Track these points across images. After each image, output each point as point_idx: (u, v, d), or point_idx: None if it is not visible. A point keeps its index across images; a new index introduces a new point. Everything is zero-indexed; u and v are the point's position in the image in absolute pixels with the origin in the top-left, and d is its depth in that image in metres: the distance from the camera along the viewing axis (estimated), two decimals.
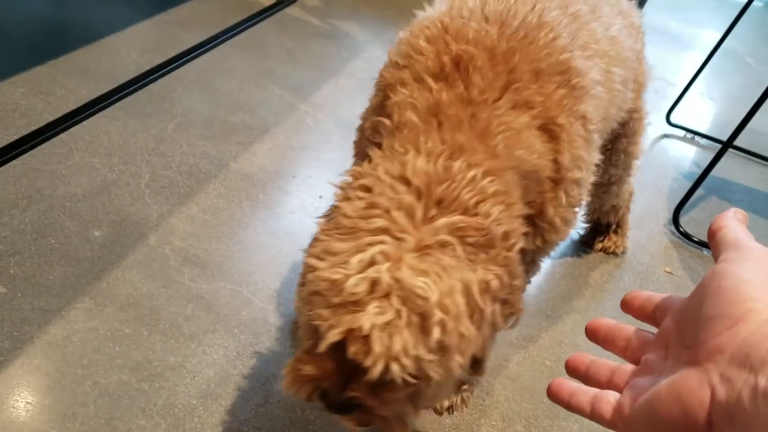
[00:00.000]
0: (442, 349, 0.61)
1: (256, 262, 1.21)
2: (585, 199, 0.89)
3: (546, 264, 1.37)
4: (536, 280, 1.34)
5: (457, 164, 0.68)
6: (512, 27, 0.78)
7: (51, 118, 1.39)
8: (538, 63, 0.77)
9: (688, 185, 1.62)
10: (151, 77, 1.62)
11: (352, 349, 0.60)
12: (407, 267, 0.60)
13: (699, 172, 1.60)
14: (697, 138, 2.05)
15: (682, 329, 0.40)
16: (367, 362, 0.60)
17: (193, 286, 1.12)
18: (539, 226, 0.83)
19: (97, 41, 1.72)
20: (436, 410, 1.03)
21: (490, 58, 0.75)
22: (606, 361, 0.46)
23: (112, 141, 1.39)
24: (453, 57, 0.76)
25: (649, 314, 0.47)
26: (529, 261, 0.93)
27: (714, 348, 0.36)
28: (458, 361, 0.63)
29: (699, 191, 1.63)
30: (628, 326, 0.47)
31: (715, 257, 0.41)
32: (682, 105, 2.06)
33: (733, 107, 2.33)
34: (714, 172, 1.55)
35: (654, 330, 0.46)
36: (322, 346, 0.61)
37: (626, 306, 0.49)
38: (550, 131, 0.77)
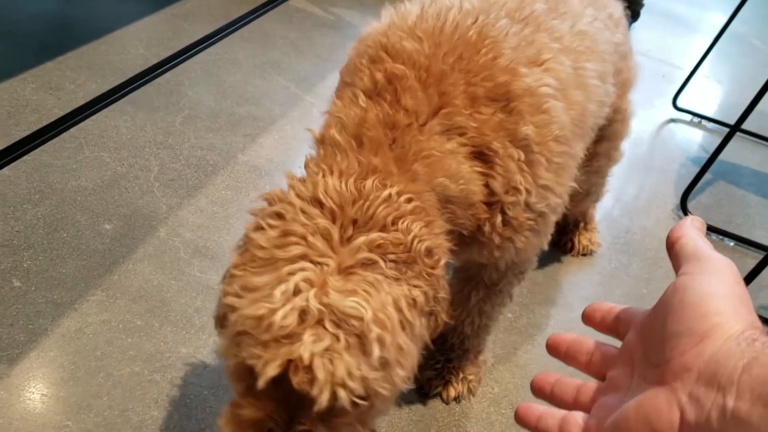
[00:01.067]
0: (384, 364, 0.60)
1: None
2: (545, 222, 0.84)
3: (554, 252, 1.38)
4: (545, 268, 1.35)
5: (369, 183, 0.67)
6: (448, 45, 0.75)
7: (61, 114, 1.40)
8: (473, 87, 0.73)
9: (696, 170, 1.62)
10: (158, 71, 1.63)
11: (296, 380, 0.58)
12: (334, 290, 0.59)
13: (706, 156, 1.59)
14: (704, 122, 2.05)
15: (646, 345, 0.40)
16: (314, 392, 0.58)
17: (203, 277, 1.13)
18: (480, 242, 0.81)
19: (104, 36, 1.73)
20: (443, 398, 1.04)
21: (421, 80, 0.73)
22: (570, 379, 0.45)
23: (120, 135, 1.40)
24: (386, 75, 0.74)
25: (611, 326, 0.46)
26: (493, 269, 0.93)
27: (681, 366, 0.35)
28: (401, 375, 0.63)
29: (707, 176, 1.63)
30: (589, 340, 0.47)
31: (675, 269, 0.41)
32: (688, 89, 2.06)
33: (740, 90, 2.32)
34: (722, 156, 1.55)
35: (618, 343, 0.45)
36: (261, 383, 0.59)
37: (587, 319, 0.48)
38: (483, 156, 0.75)
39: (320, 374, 0.57)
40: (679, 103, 2.05)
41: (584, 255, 1.40)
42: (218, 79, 1.69)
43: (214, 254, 1.19)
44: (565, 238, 1.39)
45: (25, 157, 1.29)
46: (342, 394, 0.58)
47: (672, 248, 0.42)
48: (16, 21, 1.72)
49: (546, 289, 1.30)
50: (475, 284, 0.97)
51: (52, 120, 1.39)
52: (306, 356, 0.57)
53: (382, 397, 0.62)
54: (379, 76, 0.74)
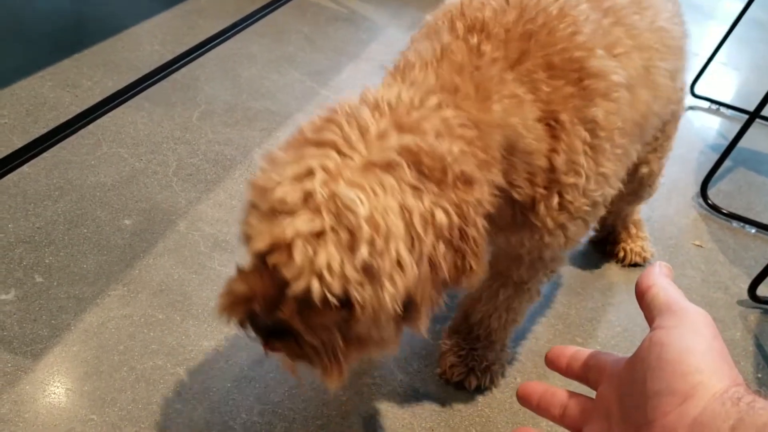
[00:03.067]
0: (368, 271, 0.57)
1: None
2: (595, 212, 0.83)
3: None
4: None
5: (434, 100, 0.65)
6: (530, 14, 0.74)
7: (78, 111, 1.41)
8: (551, 55, 0.72)
9: (715, 157, 1.60)
10: (174, 66, 1.63)
11: (273, 258, 0.57)
12: (345, 181, 0.57)
13: (725, 143, 1.58)
14: (722, 109, 2.02)
15: (625, 402, 0.38)
16: (287, 273, 0.56)
17: (223, 270, 1.13)
18: (532, 224, 0.79)
19: (119, 33, 1.73)
20: (464, 386, 1.03)
21: (505, 33, 0.72)
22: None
23: (138, 131, 1.40)
24: (468, 24, 0.73)
25: (579, 373, 0.44)
26: (528, 266, 0.91)
27: (665, 428, 0.34)
28: (390, 292, 0.59)
29: (726, 163, 1.61)
30: (561, 391, 0.45)
31: (649, 321, 0.39)
32: (706, 76, 2.03)
33: (759, 77, 2.29)
34: (741, 143, 1.53)
35: (586, 390, 0.44)
36: (250, 255, 0.59)
37: (552, 363, 0.46)
38: (549, 127, 0.73)
39: (298, 257, 0.55)
40: (697, 90, 2.03)
41: (636, 265, 1.35)
42: (234, 73, 1.69)
43: (234, 247, 1.19)
44: (617, 247, 1.36)
45: (44, 154, 1.29)
46: (315, 285, 0.56)
47: (643, 298, 0.40)
48: (32, 20, 1.73)
49: (566, 278, 1.29)
50: (504, 281, 0.96)
51: (70, 117, 1.39)
52: (289, 235, 0.55)
53: (364, 309, 0.59)
54: (460, 25, 0.73)
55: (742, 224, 1.52)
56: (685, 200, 1.58)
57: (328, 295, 0.56)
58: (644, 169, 1.19)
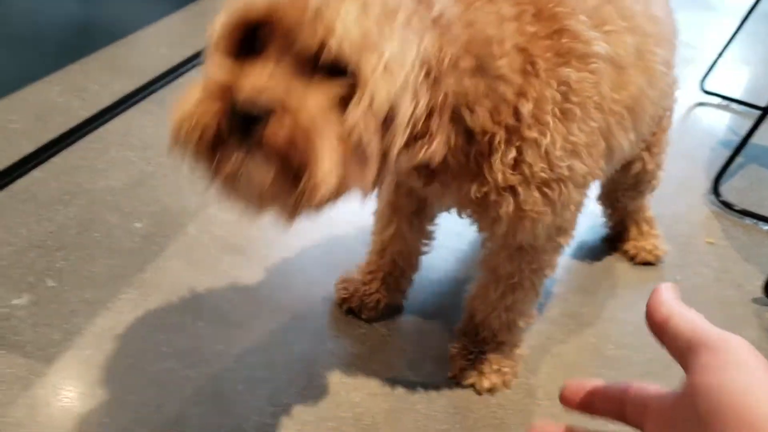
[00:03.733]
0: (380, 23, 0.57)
1: (293, 247, 1.22)
2: (561, 190, 0.77)
3: (586, 239, 1.36)
4: (576, 255, 1.33)
5: None
6: None
7: (87, 115, 1.41)
8: (540, 3, 0.71)
9: (727, 153, 1.59)
10: (181, 70, 1.63)
11: (279, 13, 0.55)
12: None
13: (737, 139, 1.57)
14: (732, 105, 2.01)
15: None
16: (305, 19, 0.54)
17: (233, 273, 1.13)
18: (483, 176, 0.74)
19: (126, 37, 1.74)
20: (476, 389, 1.03)
21: None
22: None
23: (146, 134, 1.41)
24: None
25: (612, 409, 0.39)
26: (507, 257, 0.90)
27: None
28: (391, 81, 0.58)
29: (738, 159, 1.60)
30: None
31: (678, 359, 0.34)
32: (716, 72, 2.02)
33: None
34: (753, 138, 1.52)
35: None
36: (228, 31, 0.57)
37: (570, 403, 0.40)
38: (524, 67, 0.69)
39: (313, 3, 0.54)
40: (707, 86, 2.02)
41: (649, 263, 1.34)
42: None
43: (244, 250, 1.19)
44: (628, 245, 1.34)
45: (53, 159, 1.30)
46: (333, 40, 0.54)
47: (663, 333, 0.35)
48: (39, 26, 1.73)
49: (578, 277, 1.28)
50: (495, 278, 0.95)
51: (79, 122, 1.40)
52: None
53: (365, 90, 0.57)
54: None
55: (755, 221, 1.51)
56: (697, 197, 1.57)
57: (343, 50, 0.55)
58: (638, 166, 1.18)
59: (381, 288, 1.10)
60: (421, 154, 0.67)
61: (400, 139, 0.62)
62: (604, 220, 1.36)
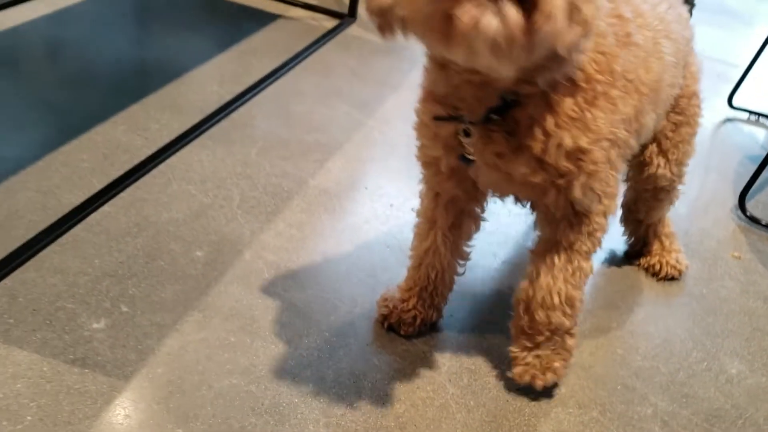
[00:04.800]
0: None
1: (339, 270, 1.33)
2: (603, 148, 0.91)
3: (612, 256, 1.44)
4: (604, 271, 1.41)
5: None
6: None
7: (149, 152, 1.54)
8: None
9: (754, 168, 1.65)
10: (232, 107, 1.76)
11: None
12: None
13: (764, 154, 1.62)
14: (762, 119, 2.06)
15: None
16: None
17: (286, 295, 1.24)
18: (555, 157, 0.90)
19: (180, 77, 1.88)
20: (534, 387, 1.11)
21: None
22: None
23: (204, 168, 1.53)
24: None
25: None
26: (566, 222, 1.01)
27: None
28: None
29: (765, 174, 1.66)
30: None
31: None
32: (744, 87, 2.07)
33: None
34: None
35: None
36: None
37: None
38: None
39: None
40: (735, 101, 2.07)
41: (672, 279, 1.41)
42: (286, 110, 1.82)
43: (295, 274, 1.30)
44: (651, 260, 1.42)
45: (121, 194, 1.43)
46: None
47: None
48: (102, 69, 1.89)
49: (606, 293, 1.36)
50: (555, 247, 1.05)
51: (143, 158, 1.53)
52: None
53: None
54: None
55: None
56: (724, 212, 1.64)
57: None
58: (652, 168, 1.27)
59: (417, 304, 1.19)
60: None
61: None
62: (626, 237, 1.44)
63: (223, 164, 1.56)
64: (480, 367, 1.16)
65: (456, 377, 1.14)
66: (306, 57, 2.10)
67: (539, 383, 1.11)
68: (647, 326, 1.28)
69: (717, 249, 1.51)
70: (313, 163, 1.63)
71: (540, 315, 1.08)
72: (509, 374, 1.13)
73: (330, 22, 2.38)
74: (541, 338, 1.10)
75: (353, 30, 2.37)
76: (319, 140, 1.72)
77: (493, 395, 1.12)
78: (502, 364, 1.17)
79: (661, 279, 1.40)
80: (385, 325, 1.20)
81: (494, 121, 0.90)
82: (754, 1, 3.02)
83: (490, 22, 0.67)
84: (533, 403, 1.12)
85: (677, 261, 1.40)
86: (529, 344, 1.12)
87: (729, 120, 2.04)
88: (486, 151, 0.92)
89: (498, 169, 0.95)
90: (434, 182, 1.10)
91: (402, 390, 1.10)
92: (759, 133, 2.00)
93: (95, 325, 1.13)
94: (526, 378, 1.11)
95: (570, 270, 1.06)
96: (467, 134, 0.92)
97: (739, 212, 1.61)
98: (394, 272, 1.34)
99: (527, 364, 1.11)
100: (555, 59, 0.75)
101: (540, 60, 0.76)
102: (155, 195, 1.44)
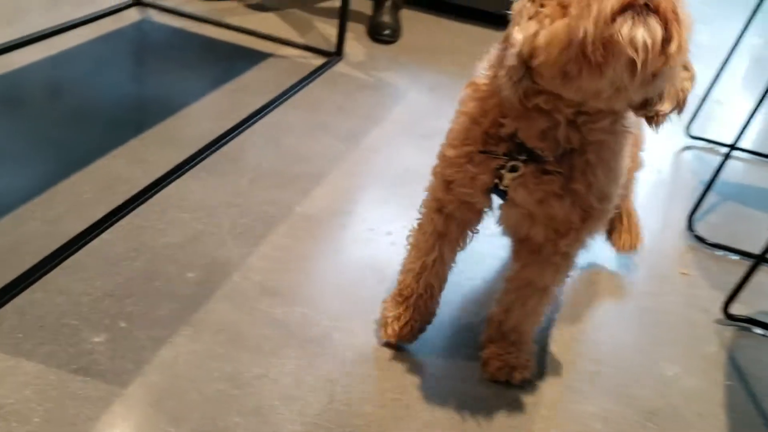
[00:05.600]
0: None
1: (320, 288, 1.46)
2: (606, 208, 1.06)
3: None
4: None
5: None
6: None
7: (147, 183, 1.69)
8: None
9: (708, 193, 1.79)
10: (224, 140, 1.91)
11: None
12: None
13: (718, 181, 1.77)
14: (716, 147, 2.21)
15: None
16: None
17: (270, 311, 1.38)
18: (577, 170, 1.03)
19: (177, 113, 2.03)
20: (511, 383, 1.26)
21: None
22: None
23: (197, 197, 1.68)
24: None
25: None
26: (553, 268, 1.16)
27: None
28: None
29: (716, 197, 1.81)
30: None
31: None
32: (702, 115, 2.22)
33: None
34: (732, 178, 1.73)
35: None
36: None
37: None
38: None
39: None
40: (693, 130, 2.22)
41: (631, 250, 1.60)
42: (275, 143, 1.96)
43: (279, 292, 1.43)
44: (614, 236, 1.61)
45: (120, 222, 1.57)
46: None
47: None
48: (102, 105, 2.04)
49: (562, 304, 1.50)
50: (531, 290, 1.20)
51: (141, 189, 1.67)
52: None
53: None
54: None
55: (725, 252, 1.70)
56: (676, 233, 1.78)
57: None
58: None
59: (414, 313, 1.31)
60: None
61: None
62: None
63: (215, 193, 1.70)
64: (444, 370, 1.29)
65: (422, 381, 1.27)
66: (295, 93, 2.26)
67: (517, 377, 1.26)
68: (597, 334, 1.42)
69: (667, 266, 1.64)
70: (299, 191, 1.78)
71: (512, 336, 1.26)
72: (485, 375, 1.28)
73: (318, 60, 2.54)
74: (512, 348, 1.27)
75: (340, 67, 2.52)
76: (305, 170, 1.86)
77: (455, 396, 1.25)
78: (464, 367, 1.31)
79: (624, 252, 1.58)
80: (382, 335, 1.33)
81: (552, 163, 1.00)
82: (708, 34, 3.18)
83: (643, 34, 0.81)
84: (490, 402, 1.25)
85: (637, 237, 1.58)
86: (499, 350, 1.27)
87: (687, 148, 2.19)
88: (533, 189, 1.03)
89: (536, 207, 1.05)
90: (458, 212, 1.19)
91: (371, 393, 1.23)
92: (713, 159, 2.14)
93: (96, 339, 1.26)
94: (503, 375, 1.26)
95: (541, 307, 1.23)
96: (514, 170, 1.02)
97: (688, 232, 1.75)
98: (372, 290, 1.47)
99: (502, 362, 1.26)
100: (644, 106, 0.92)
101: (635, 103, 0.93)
102: (152, 222, 1.58)
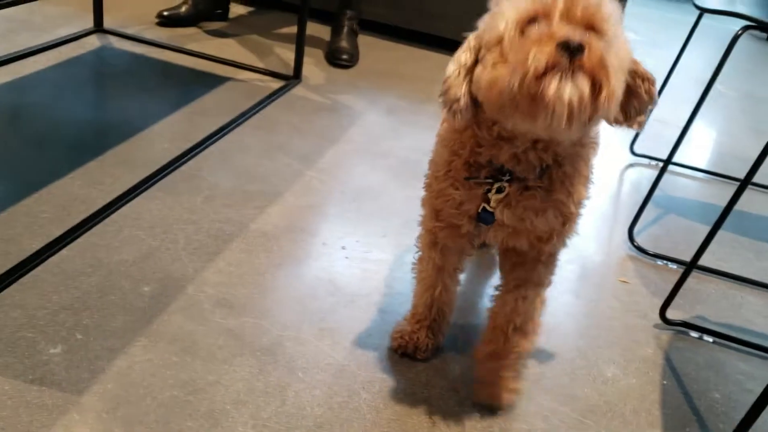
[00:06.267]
0: None
1: (272, 300, 1.51)
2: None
3: None
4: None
5: None
6: None
7: (104, 203, 1.72)
8: None
9: (650, 207, 1.89)
10: (181, 161, 1.95)
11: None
12: None
13: (661, 194, 1.87)
14: (658, 163, 2.31)
15: None
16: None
17: (223, 322, 1.42)
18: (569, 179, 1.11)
19: (134, 136, 2.07)
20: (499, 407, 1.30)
21: None
22: None
23: (153, 216, 1.72)
24: None
25: None
26: (544, 263, 1.23)
27: None
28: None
29: (659, 211, 1.90)
30: None
31: None
32: (644, 135, 2.33)
33: (693, 129, 2.59)
34: (673, 192, 1.82)
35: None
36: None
37: None
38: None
39: None
40: (636, 148, 2.33)
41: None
42: (232, 163, 2.01)
43: (232, 304, 1.47)
44: None
45: (78, 240, 1.60)
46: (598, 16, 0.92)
47: None
48: (61, 128, 2.07)
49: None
50: (525, 286, 1.24)
51: (97, 209, 1.70)
52: None
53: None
54: None
55: (665, 262, 1.79)
56: (617, 244, 1.86)
57: (602, 27, 0.91)
58: None
59: (429, 333, 1.37)
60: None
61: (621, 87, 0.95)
62: None
63: (171, 212, 1.74)
64: (391, 374, 1.34)
65: (369, 385, 1.32)
66: (252, 115, 2.32)
67: (505, 403, 1.30)
68: (541, 339, 1.48)
69: (608, 275, 1.72)
70: (254, 209, 1.82)
71: (515, 339, 1.27)
72: (475, 399, 1.31)
73: (277, 84, 2.61)
74: (507, 362, 1.29)
75: (298, 90, 2.59)
76: (261, 189, 1.91)
77: (400, 397, 1.30)
78: (408, 371, 1.36)
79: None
80: (399, 352, 1.39)
81: (533, 179, 1.07)
82: (656, 58, 3.32)
83: (570, 91, 0.88)
84: (434, 404, 1.30)
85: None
86: (495, 366, 1.29)
87: (631, 165, 2.28)
88: (518, 205, 1.09)
89: (521, 221, 1.11)
90: (448, 240, 1.24)
91: (321, 397, 1.28)
92: (655, 175, 2.24)
93: (52, 351, 1.29)
94: (494, 400, 1.30)
95: (539, 300, 1.28)
96: (500, 191, 1.08)
97: (629, 243, 1.84)
98: (323, 301, 1.52)
99: (495, 386, 1.29)
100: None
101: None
102: (108, 240, 1.61)
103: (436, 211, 1.19)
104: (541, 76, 0.88)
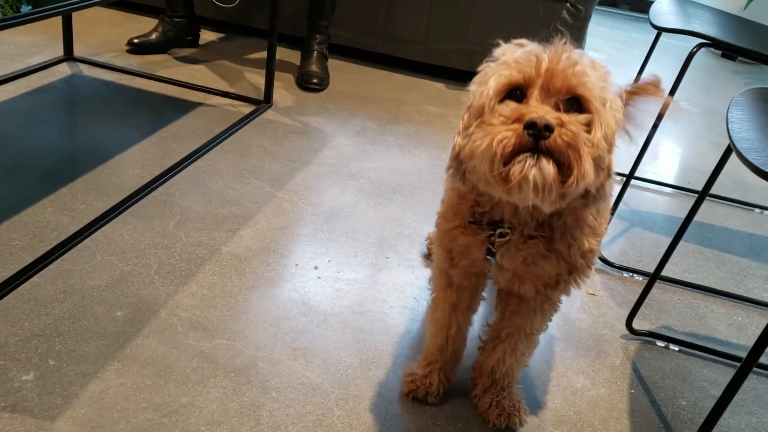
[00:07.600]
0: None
1: (245, 321, 1.52)
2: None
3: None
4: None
5: None
6: None
7: (75, 229, 1.73)
8: None
9: (616, 221, 1.93)
10: (153, 186, 1.96)
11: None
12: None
13: (626, 209, 1.91)
14: (622, 179, 2.37)
15: None
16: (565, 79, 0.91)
17: (196, 345, 1.43)
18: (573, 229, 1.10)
19: (106, 162, 2.08)
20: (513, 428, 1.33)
21: None
22: None
23: (125, 241, 1.72)
24: None
25: None
26: (541, 315, 1.26)
27: None
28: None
29: (626, 225, 1.94)
30: None
31: None
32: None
33: (661, 145, 2.65)
34: (641, 207, 1.87)
35: None
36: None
37: None
38: None
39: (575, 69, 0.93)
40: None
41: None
42: (204, 187, 2.03)
43: (205, 326, 1.48)
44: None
45: (49, 266, 1.60)
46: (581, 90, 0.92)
47: None
48: (32, 156, 2.07)
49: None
50: (518, 335, 1.28)
51: (69, 235, 1.71)
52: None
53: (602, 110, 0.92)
54: None
55: (631, 274, 1.83)
56: None
57: (587, 101, 0.91)
58: None
59: (440, 376, 1.37)
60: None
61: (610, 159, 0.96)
62: None
63: (143, 237, 1.75)
64: (364, 392, 1.36)
65: (343, 402, 1.33)
66: (224, 139, 2.34)
67: (516, 421, 1.32)
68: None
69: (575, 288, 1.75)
70: (226, 232, 1.84)
71: (504, 381, 1.34)
72: (489, 425, 1.33)
73: (247, 108, 2.63)
74: (504, 393, 1.34)
75: (269, 114, 2.62)
76: (232, 212, 1.93)
77: (373, 414, 1.31)
78: (383, 389, 1.37)
79: None
80: (410, 397, 1.38)
81: (534, 228, 1.08)
82: (620, 77, 3.41)
83: (534, 174, 0.88)
84: (407, 418, 1.32)
85: None
86: (493, 397, 1.34)
87: None
88: (516, 254, 1.09)
89: (523, 269, 1.11)
90: (463, 279, 1.26)
91: (295, 415, 1.29)
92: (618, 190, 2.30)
93: (24, 377, 1.29)
94: (504, 421, 1.32)
95: (530, 348, 1.32)
96: (503, 236, 1.09)
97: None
98: (296, 321, 1.54)
99: (500, 409, 1.33)
100: (586, 193, 0.99)
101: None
102: (80, 266, 1.62)
103: (448, 251, 1.20)
104: (510, 156, 0.90)
